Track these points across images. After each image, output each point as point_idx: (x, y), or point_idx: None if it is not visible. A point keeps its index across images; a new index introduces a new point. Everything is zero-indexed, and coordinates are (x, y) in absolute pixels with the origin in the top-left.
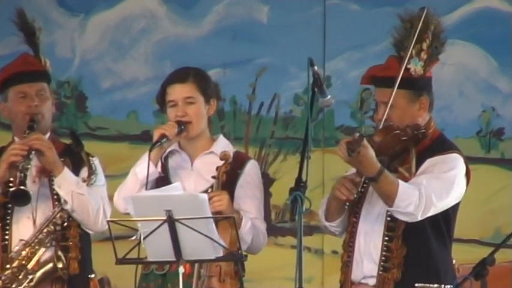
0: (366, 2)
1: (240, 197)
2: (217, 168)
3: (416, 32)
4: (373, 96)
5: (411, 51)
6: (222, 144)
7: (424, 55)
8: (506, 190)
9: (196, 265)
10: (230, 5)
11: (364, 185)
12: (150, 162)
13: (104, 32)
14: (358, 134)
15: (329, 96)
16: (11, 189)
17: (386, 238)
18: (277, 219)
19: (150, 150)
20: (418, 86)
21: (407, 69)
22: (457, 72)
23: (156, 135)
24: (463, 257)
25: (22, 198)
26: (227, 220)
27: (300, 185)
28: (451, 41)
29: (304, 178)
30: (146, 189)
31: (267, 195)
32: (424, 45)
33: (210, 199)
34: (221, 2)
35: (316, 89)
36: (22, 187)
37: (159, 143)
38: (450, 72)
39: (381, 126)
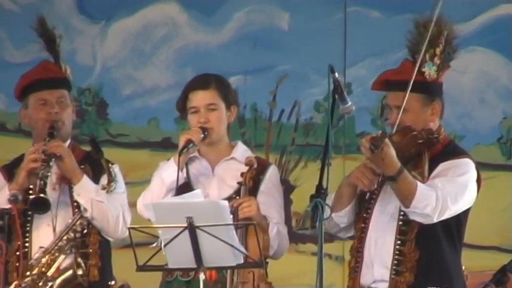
0: (387, 8)
1: (263, 202)
2: (242, 174)
3: (428, 35)
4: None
5: (425, 55)
6: (242, 150)
7: (437, 60)
8: None
9: (228, 272)
10: (251, 12)
11: (376, 190)
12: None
13: (125, 39)
14: (381, 131)
15: (350, 103)
16: (31, 197)
17: (399, 242)
18: (298, 226)
19: (180, 155)
20: (431, 91)
21: (421, 73)
22: (477, 79)
23: (182, 141)
24: (483, 264)
25: (42, 206)
26: (256, 226)
27: (320, 192)
28: (471, 48)
29: (324, 185)
30: (175, 195)
31: (287, 202)
32: (438, 51)
33: (239, 205)
34: (242, 9)
35: (336, 96)
36: (42, 195)
37: (186, 149)
38: (471, 79)
39: (395, 129)
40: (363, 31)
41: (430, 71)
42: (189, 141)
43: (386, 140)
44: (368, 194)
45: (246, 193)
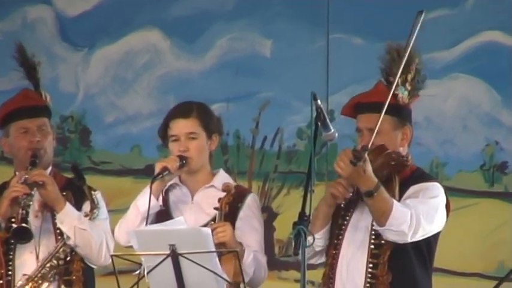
0: (369, 36)
1: (240, 230)
2: (220, 200)
3: (404, 60)
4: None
5: (397, 81)
6: (222, 178)
7: (408, 86)
8: (509, 224)
9: None
10: (233, 40)
11: (346, 217)
12: (152, 195)
13: (107, 66)
14: (361, 145)
15: (332, 130)
16: (13, 227)
17: (371, 265)
18: (281, 253)
19: (152, 183)
20: (403, 114)
21: (394, 95)
22: (460, 106)
23: (158, 168)
24: None
25: (24, 235)
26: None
27: (303, 219)
28: (454, 75)
29: (307, 212)
30: (147, 222)
31: (270, 229)
32: (409, 77)
33: (213, 230)
34: (224, 37)
35: (319, 123)
36: (24, 224)
37: (160, 176)
38: (453, 105)
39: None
40: (345, 58)
41: (403, 95)
42: (164, 169)
43: (366, 155)
44: (340, 219)
45: (221, 218)
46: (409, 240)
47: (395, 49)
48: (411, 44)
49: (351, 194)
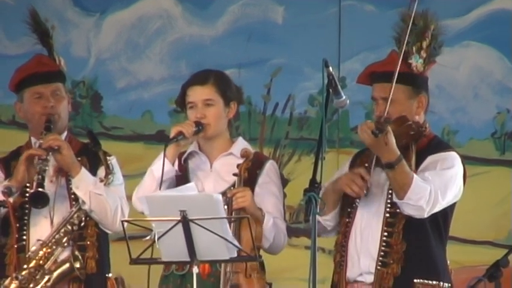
0: (381, 3)
1: (259, 196)
2: (238, 166)
3: (409, 27)
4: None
5: (412, 48)
6: (241, 146)
7: (423, 53)
8: None
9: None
10: (245, 6)
11: None
12: (166, 160)
13: (119, 31)
14: (384, 117)
15: (344, 97)
16: (30, 192)
17: (386, 234)
18: (292, 220)
19: (166, 146)
20: (417, 83)
21: (408, 65)
22: (471, 74)
23: (173, 132)
24: (476, 258)
25: (41, 200)
26: (249, 219)
27: (314, 185)
28: (466, 43)
29: (318, 179)
30: (161, 187)
31: None
32: (424, 44)
33: (233, 195)
34: (236, 3)
35: (331, 90)
36: (40, 189)
37: (175, 140)
38: (465, 74)
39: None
40: (357, 25)
41: (417, 63)
42: (179, 133)
43: (389, 126)
44: (356, 198)
45: (241, 184)
46: (426, 216)
47: (409, 16)
48: (413, 13)
49: (365, 193)
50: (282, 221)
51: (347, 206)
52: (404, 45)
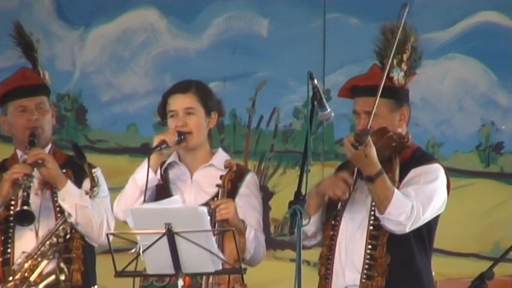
0: (366, 16)
1: (240, 206)
2: (222, 177)
3: (396, 41)
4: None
5: (392, 61)
6: (222, 157)
7: (404, 66)
8: (505, 204)
9: None
10: (230, 19)
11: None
12: (150, 169)
13: (104, 45)
14: (364, 128)
15: (329, 110)
16: (15, 210)
17: (370, 246)
18: (277, 233)
19: (150, 155)
20: (399, 96)
21: (390, 78)
22: (456, 86)
23: (156, 141)
24: (461, 271)
25: (26, 218)
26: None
27: (299, 198)
28: (450, 55)
29: (303, 191)
30: (145, 196)
31: (266, 208)
32: (405, 56)
33: (216, 207)
34: (221, 16)
35: (315, 103)
36: (25, 207)
37: (158, 148)
38: (449, 86)
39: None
40: (341, 38)
41: (398, 76)
42: (162, 142)
43: (369, 137)
44: (338, 201)
45: (224, 195)
46: (407, 231)
47: (389, 29)
48: (401, 26)
49: (347, 196)
50: (261, 234)
51: (331, 219)
52: (391, 58)
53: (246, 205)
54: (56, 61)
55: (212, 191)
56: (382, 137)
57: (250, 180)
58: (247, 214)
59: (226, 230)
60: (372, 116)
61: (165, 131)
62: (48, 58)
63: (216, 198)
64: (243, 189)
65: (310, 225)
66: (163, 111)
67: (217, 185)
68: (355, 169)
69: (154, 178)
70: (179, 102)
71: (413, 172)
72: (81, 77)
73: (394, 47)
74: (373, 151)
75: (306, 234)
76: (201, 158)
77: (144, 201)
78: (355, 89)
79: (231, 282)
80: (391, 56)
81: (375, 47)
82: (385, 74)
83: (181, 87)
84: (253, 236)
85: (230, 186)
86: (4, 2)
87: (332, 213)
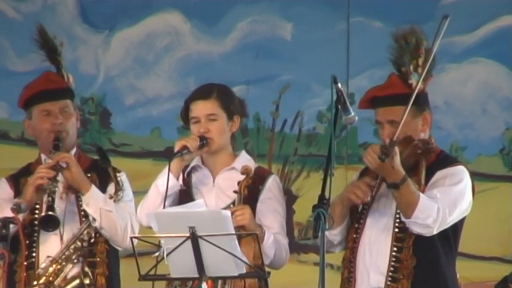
0: (389, 19)
1: (261, 212)
2: (239, 183)
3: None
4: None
5: (409, 67)
6: (244, 160)
7: (420, 70)
8: None
9: (220, 280)
10: (254, 22)
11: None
12: (171, 174)
13: (127, 48)
14: (389, 140)
15: (352, 114)
16: (40, 215)
17: (395, 249)
18: (300, 236)
19: (170, 160)
20: (420, 101)
21: (408, 85)
22: (479, 90)
23: (177, 147)
24: (485, 274)
25: (51, 223)
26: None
27: (323, 202)
28: (474, 59)
29: (327, 195)
30: (165, 201)
31: (290, 212)
32: (420, 61)
33: (232, 213)
34: (245, 19)
35: (339, 106)
36: (50, 213)
37: (179, 154)
38: (473, 90)
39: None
40: (365, 41)
41: (416, 81)
42: (183, 147)
43: (395, 149)
44: (361, 205)
45: (241, 201)
46: (435, 233)
47: (402, 36)
48: (435, 49)
49: (369, 198)
50: (284, 237)
51: (354, 222)
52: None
53: (268, 209)
54: (80, 64)
55: (234, 195)
56: (407, 146)
57: (272, 183)
58: (268, 218)
59: (249, 234)
60: (401, 125)
61: (188, 135)
62: (72, 61)
63: (232, 205)
64: (265, 192)
65: (336, 235)
66: (185, 116)
67: (234, 191)
68: (378, 178)
69: (176, 184)
70: (201, 109)
71: (438, 174)
72: (105, 80)
73: (433, 52)
74: (398, 161)
75: (332, 243)
76: (224, 161)
77: (164, 207)
78: (375, 100)
79: None
80: (430, 58)
81: (390, 56)
82: (419, 84)
83: (203, 92)
84: (273, 240)
85: (248, 192)
86: (28, 5)
87: (355, 217)
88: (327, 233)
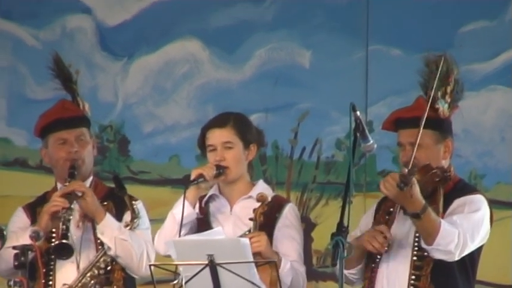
0: (408, 47)
1: (278, 239)
2: (254, 210)
3: (438, 72)
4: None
5: (437, 93)
6: (261, 189)
7: (448, 98)
8: None
9: None
10: (272, 50)
11: None
12: (187, 203)
13: (146, 76)
14: (408, 169)
15: (371, 141)
16: (53, 244)
17: (413, 277)
18: (319, 264)
19: (186, 188)
20: (444, 128)
21: (435, 110)
22: (498, 118)
23: (193, 175)
24: None
25: (65, 251)
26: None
27: (341, 229)
28: (492, 87)
29: (345, 223)
30: (182, 230)
31: (308, 239)
32: (448, 89)
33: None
34: (263, 47)
35: (358, 134)
36: (64, 241)
37: (195, 182)
38: (491, 117)
39: (410, 166)
40: (384, 69)
41: (443, 108)
42: (199, 176)
43: (414, 178)
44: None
45: (256, 228)
46: (456, 259)
47: (433, 61)
48: (434, 88)
49: (385, 249)
50: (301, 264)
51: (371, 261)
52: (432, 91)
53: (284, 236)
54: (98, 92)
55: (251, 223)
56: (426, 174)
57: (289, 211)
58: (285, 245)
59: (268, 261)
60: (416, 146)
61: (205, 163)
62: (90, 89)
63: (248, 232)
64: (282, 220)
65: (355, 274)
66: (202, 144)
67: (250, 219)
68: (397, 209)
69: (192, 212)
70: (217, 137)
71: (457, 202)
72: (123, 107)
73: (437, 78)
74: (417, 190)
75: (351, 281)
76: (241, 190)
77: (180, 235)
78: (399, 121)
79: None
80: (433, 88)
81: (420, 79)
82: (429, 104)
83: (219, 121)
84: (289, 267)
85: (264, 219)
86: (47, 33)
87: (371, 257)
88: (345, 271)
